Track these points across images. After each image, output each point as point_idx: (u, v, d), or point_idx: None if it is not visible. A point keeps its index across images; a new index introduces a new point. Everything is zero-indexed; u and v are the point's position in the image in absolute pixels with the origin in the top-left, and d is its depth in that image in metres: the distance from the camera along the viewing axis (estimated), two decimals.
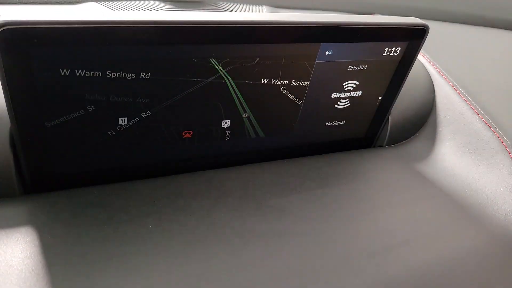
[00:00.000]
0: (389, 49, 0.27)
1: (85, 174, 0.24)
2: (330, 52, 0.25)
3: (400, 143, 0.34)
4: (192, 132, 0.25)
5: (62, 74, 0.20)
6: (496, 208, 0.27)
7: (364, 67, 0.27)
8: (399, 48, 0.27)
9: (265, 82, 0.25)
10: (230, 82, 0.24)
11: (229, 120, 0.26)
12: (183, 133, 0.25)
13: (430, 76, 0.36)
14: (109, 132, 0.23)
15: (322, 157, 0.30)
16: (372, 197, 0.27)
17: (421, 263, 0.22)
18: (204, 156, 0.27)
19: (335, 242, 0.23)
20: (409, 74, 0.29)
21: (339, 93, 0.28)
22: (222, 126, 0.26)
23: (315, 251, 0.22)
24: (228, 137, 0.27)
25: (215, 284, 0.19)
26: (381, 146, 0.33)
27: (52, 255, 0.19)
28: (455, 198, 0.28)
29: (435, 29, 0.44)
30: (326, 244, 0.22)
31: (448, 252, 0.23)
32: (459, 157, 0.31)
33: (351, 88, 0.28)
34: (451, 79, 0.35)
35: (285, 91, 0.26)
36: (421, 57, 0.38)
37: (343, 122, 0.30)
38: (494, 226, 0.26)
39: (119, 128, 0.23)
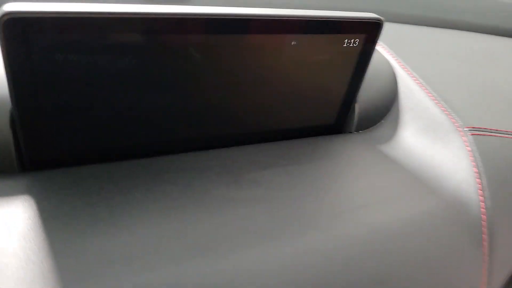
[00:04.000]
0: (349, 41, 0.30)
1: (79, 154, 0.26)
2: (295, 43, 0.28)
3: (367, 129, 0.37)
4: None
5: (57, 59, 0.22)
6: (449, 180, 0.30)
7: (328, 57, 0.31)
8: (358, 40, 0.31)
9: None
10: (210, 67, 0.27)
11: None
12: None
13: (393, 69, 0.40)
14: (99, 115, 0.25)
15: (295, 141, 0.33)
16: (338, 172, 0.30)
17: (378, 223, 0.25)
18: (187, 138, 0.29)
19: (304, 205, 0.25)
20: (374, 67, 0.33)
21: (308, 80, 0.31)
22: None
23: (286, 212, 0.24)
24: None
25: (194, 240, 0.22)
26: (350, 132, 0.37)
27: (48, 218, 0.21)
28: (413, 173, 0.31)
29: (399, 30, 0.48)
30: (296, 207, 0.25)
31: (404, 214, 0.26)
32: (418, 139, 0.34)
33: (318, 75, 0.31)
34: (411, 71, 0.39)
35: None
36: (385, 53, 0.42)
37: (313, 109, 0.33)
38: (446, 195, 0.29)
39: (109, 111, 0.25)
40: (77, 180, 0.24)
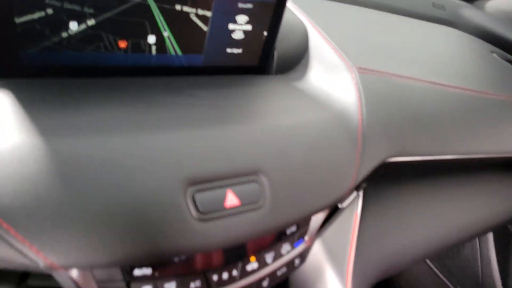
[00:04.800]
0: None
1: (43, 68, 0.32)
2: None
3: (285, 73, 0.46)
4: (126, 43, 0.34)
5: None
6: (339, 101, 0.40)
7: (251, 5, 0.39)
8: None
9: (179, 9, 0.35)
10: (153, 4, 0.34)
11: (154, 36, 0.35)
12: (119, 43, 0.34)
13: (305, 27, 0.49)
14: (63, 34, 0.31)
15: (226, 76, 0.41)
16: (258, 94, 0.38)
17: (284, 122, 0.34)
18: (136, 67, 0.36)
19: (231, 109, 0.34)
20: (291, 24, 0.42)
21: (234, 24, 0.39)
22: (149, 41, 0.35)
23: (216, 112, 0.33)
24: (154, 51, 0.36)
25: (143, 121, 0.29)
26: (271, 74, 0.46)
27: (24, 103, 0.27)
28: (314, 97, 0.40)
29: (318, 3, 0.59)
30: (225, 109, 0.33)
31: (305, 119, 0.36)
32: (321, 77, 0.44)
33: (243, 22, 0.40)
34: (320, 29, 0.49)
35: (194, 18, 0.36)
36: (300, 15, 0.51)
37: (240, 51, 0.42)
38: (335, 110, 0.39)
39: (71, 31, 0.31)
40: (46, 84, 0.30)
